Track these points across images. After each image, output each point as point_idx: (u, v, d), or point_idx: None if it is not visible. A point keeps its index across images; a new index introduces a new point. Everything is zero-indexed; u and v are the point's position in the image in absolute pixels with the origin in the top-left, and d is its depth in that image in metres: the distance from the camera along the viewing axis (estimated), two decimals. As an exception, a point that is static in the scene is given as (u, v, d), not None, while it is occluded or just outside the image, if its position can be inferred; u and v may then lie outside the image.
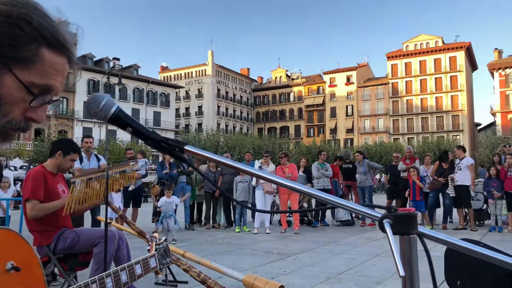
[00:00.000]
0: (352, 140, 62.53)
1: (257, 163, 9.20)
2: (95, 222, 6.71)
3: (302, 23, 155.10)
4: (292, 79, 72.71)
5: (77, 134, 42.65)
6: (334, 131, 63.03)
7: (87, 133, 21.87)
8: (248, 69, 76.78)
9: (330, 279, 4.44)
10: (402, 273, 0.65)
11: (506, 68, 53.03)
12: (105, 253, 2.96)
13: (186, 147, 0.87)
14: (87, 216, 6.53)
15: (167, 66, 74.48)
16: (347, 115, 64.23)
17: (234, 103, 71.30)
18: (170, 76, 71.39)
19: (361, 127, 62.66)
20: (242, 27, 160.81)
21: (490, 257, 0.72)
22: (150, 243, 1.72)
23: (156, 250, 1.66)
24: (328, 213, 10.79)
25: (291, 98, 70.53)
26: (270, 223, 9.86)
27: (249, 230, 8.81)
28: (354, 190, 10.85)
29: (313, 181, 10.14)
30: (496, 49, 56.62)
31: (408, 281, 0.70)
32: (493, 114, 54.57)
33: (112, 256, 3.12)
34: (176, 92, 62.93)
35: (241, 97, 73.12)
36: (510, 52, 60.77)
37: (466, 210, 8.89)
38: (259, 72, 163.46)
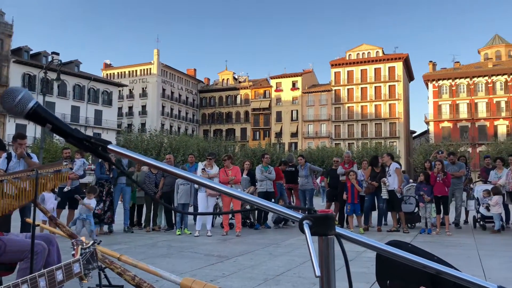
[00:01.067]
0: (296, 144, 63.83)
1: (200, 165, 9.11)
2: (25, 225, 6.31)
3: (250, 27, 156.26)
4: (239, 82, 72.99)
5: (9, 131, 40.08)
6: (279, 135, 64.00)
7: (21, 131, 20.54)
8: (195, 70, 76.11)
9: (268, 281, 4.49)
10: (318, 273, 0.66)
11: (439, 79, 56.61)
12: (31, 266, 2.65)
13: (109, 146, 0.84)
14: (16, 219, 6.13)
15: (110, 64, 71.98)
16: (292, 120, 65.47)
17: (180, 104, 70.31)
18: (114, 74, 69.06)
19: (305, 132, 64.13)
20: (190, 27, 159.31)
21: (401, 256, 0.76)
22: (75, 247, 1.64)
23: (81, 254, 1.59)
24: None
25: (238, 101, 70.76)
26: (212, 225, 9.82)
27: (190, 233, 8.70)
28: (296, 193, 11.07)
29: (256, 183, 10.24)
30: (431, 61, 60.35)
31: (325, 280, 0.72)
32: (427, 123, 57.99)
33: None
34: (119, 91, 61.01)
35: (187, 98, 72.25)
36: (443, 65, 64.94)
37: (398, 213, 9.35)
38: (206, 73, 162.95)
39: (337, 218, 10.61)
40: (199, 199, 8.72)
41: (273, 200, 10.45)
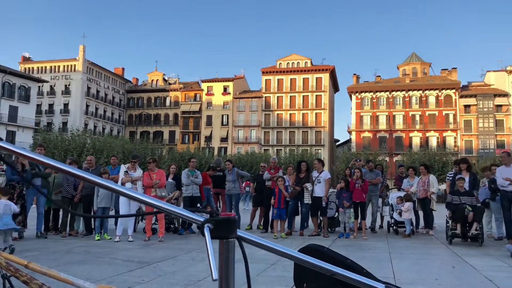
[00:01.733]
0: (226, 148, 63.96)
1: (123, 168, 8.78)
2: None
3: (182, 29, 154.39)
4: (169, 83, 71.67)
5: None
6: (209, 139, 63.77)
7: None
8: (123, 69, 73.44)
9: (189, 286, 4.43)
10: (215, 276, 0.66)
11: (362, 92, 59.98)
12: None
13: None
14: None
15: (29, 57, 67.14)
16: (222, 124, 65.55)
17: (105, 103, 67.39)
18: (33, 68, 64.58)
19: (235, 137, 64.51)
20: (119, 25, 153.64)
21: (296, 257, 0.78)
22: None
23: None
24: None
25: (167, 103, 69.40)
26: (134, 230, 9.49)
27: (110, 238, 8.33)
28: (223, 198, 11.07)
29: (182, 188, 10.08)
30: (355, 74, 63.80)
31: (224, 284, 0.72)
32: (350, 132, 61.09)
33: None
34: (39, 87, 57.12)
35: (113, 97, 69.47)
36: (366, 78, 68.85)
37: (321, 218, 9.72)
38: (134, 73, 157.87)
39: (261, 223, 10.79)
40: (121, 203, 8.40)
41: (199, 205, 10.36)
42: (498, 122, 55.79)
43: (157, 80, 71.60)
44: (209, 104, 66.59)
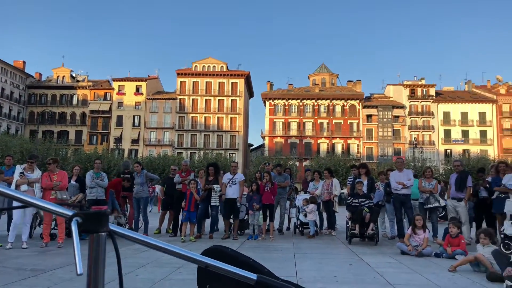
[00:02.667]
0: (137, 151, 61.77)
1: (18, 168, 8.06)
2: None
3: (94, 25, 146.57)
4: (77, 80, 67.44)
5: None
6: (119, 140, 61.09)
7: None
8: (24, 62, 67.53)
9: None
10: (79, 271, 0.65)
11: (275, 99, 61.84)
12: None
13: None
14: None
15: None
16: (133, 125, 63.20)
17: (2, 99, 61.41)
18: None
19: (147, 139, 62.59)
20: (21, 14, 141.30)
21: (177, 253, 0.79)
22: None
23: None
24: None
25: (74, 101, 65.19)
26: (30, 237, 8.76)
27: (1, 245, 7.61)
28: (130, 201, 10.68)
29: (86, 190, 9.54)
30: (269, 81, 65.62)
31: (92, 280, 0.70)
32: (263, 137, 62.57)
33: None
34: None
35: (11, 92, 63.50)
36: (279, 86, 71.07)
37: (233, 220, 9.81)
38: (38, 67, 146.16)
39: (171, 227, 10.59)
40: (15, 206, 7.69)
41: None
42: (395, 131, 61.01)
43: (64, 76, 66.98)
44: (120, 104, 63.85)
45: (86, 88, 65.08)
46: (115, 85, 64.82)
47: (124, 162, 11.32)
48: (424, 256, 7.12)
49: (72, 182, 9.60)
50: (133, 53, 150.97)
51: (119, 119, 63.33)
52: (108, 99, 64.51)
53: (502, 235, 7.47)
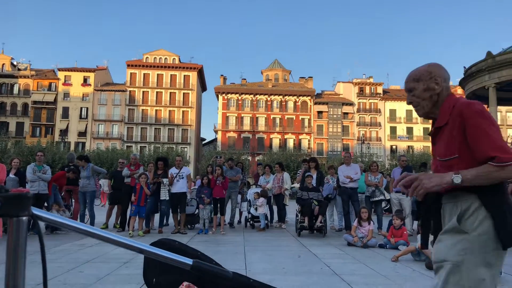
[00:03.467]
0: (84, 144, 59.48)
1: (-50, 160, 7.51)
2: None
3: (37, 8, 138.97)
4: (19, 69, 63.73)
5: None
6: (64, 133, 58.49)
7: None
8: (-41, 47, 62.93)
9: (26, 292, 3.98)
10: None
11: (228, 93, 61.64)
12: None
13: None
14: None
15: None
16: (81, 118, 60.73)
17: None
18: None
19: (95, 132, 60.39)
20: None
21: (110, 239, 0.75)
22: None
23: None
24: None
25: (15, 91, 61.56)
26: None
27: None
28: (75, 195, 10.26)
29: (27, 184, 9.05)
30: (222, 75, 65.26)
31: (11, 266, 0.65)
32: (216, 132, 62.25)
33: None
34: None
35: None
36: (233, 80, 70.91)
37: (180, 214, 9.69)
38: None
39: (118, 222, 10.29)
40: None
41: (46, 204, 9.44)
42: (344, 127, 62.82)
43: (3, 64, 63.03)
44: (66, 95, 61.07)
45: (28, 77, 61.62)
46: (61, 75, 61.90)
47: (68, 154, 10.85)
48: (369, 247, 7.38)
49: (11, 175, 9.07)
50: (81, 42, 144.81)
51: (65, 110, 60.60)
52: (53, 89, 61.50)
53: (441, 226, 7.87)
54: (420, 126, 63.02)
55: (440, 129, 1.88)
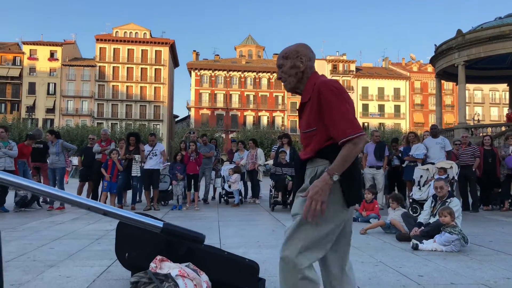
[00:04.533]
0: (52, 120, 57.76)
1: None
2: None
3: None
4: (-20, 42, 60.73)
5: None
6: (31, 109, 56.52)
7: None
8: None
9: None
10: None
11: (201, 69, 60.73)
12: None
13: None
14: None
15: None
16: (48, 94, 58.75)
17: None
18: None
19: (64, 108, 58.65)
20: None
21: (76, 202, 0.69)
22: None
23: None
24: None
25: (-23, 65, 58.82)
26: None
27: None
28: (44, 172, 9.98)
29: (-9, 161, 8.71)
30: (194, 51, 64.07)
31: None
32: (189, 109, 61.51)
33: None
34: None
35: None
36: (206, 56, 69.88)
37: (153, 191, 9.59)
38: None
39: (90, 198, 10.11)
40: None
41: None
42: (318, 105, 63.19)
43: (-37, 36, 59.86)
44: (32, 70, 58.77)
45: (-9, 50, 58.83)
46: (25, 49, 59.40)
47: (35, 130, 10.47)
48: (341, 220, 7.52)
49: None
50: (47, 14, 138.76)
51: (32, 86, 58.45)
52: (18, 64, 59.05)
53: (411, 200, 8.10)
54: (391, 104, 64.10)
55: (304, 105, 2.06)
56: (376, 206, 7.55)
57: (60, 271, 3.78)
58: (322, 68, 64.56)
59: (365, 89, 64.15)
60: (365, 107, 63.79)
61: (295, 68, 2.08)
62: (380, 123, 61.83)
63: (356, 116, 1.99)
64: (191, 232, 0.84)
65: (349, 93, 2.12)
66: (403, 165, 9.44)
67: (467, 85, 22.64)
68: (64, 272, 3.75)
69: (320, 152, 1.98)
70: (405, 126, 61.49)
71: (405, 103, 64.36)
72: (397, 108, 64.28)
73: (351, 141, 1.85)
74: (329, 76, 62.84)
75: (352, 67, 64.94)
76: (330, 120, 1.91)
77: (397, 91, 64.62)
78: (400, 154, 9.86)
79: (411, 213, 7.15)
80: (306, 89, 2.07)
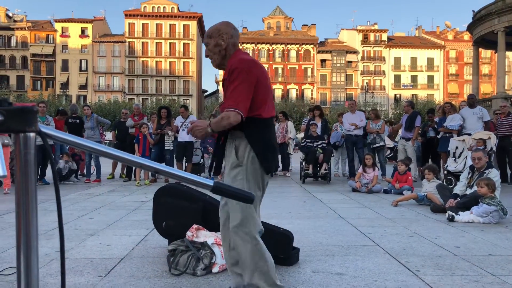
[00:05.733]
0: (85, 97, 59.16)
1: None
2: None
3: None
4: (15, 21, 62.19)
5: None
6: (65, 85, 58.04)
7: None
8: (-49, -1, 61.07)
9: (40, 236, 4.05)
10: (2, 172, 0.54)
11: (229, 42, 60.23)
12: None
13: None
14: None
15: None
16: (80, 70, 59.98)
17: None
18: None
19: (96, 84, 59.87)
20: None
21: (116, 156, 0.70)
22: None
23: None
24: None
25: (13, 43, 60.43)
26: (-28, 184, 8.31)
27: None
28: (80, 146, 10.30)
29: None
30: (222, 24, 63.40)
31: (22, 183, 0.60)
32: (217, 83, 61.58)
33: None
34: None
35: None
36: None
37: (186, 164, 9.76)
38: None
39: (124, 172, 10.40)
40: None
41: (54, 156, 9.49)
42: (348, 76, 61.93)
43: (-2, 15, 61.46)
44: (65, 47, 59.95)
45: (25, 29, 60.25)
46: (57, 26, 60.47)
47: (71, 106, 10.77)
48: (373, 192, 7.45)
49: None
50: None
51: (65, 63, 59.77)
52: (51, 41, 60.30)
53: (445, 172, 7.92)
54: (424, 74, 62.08)
55: (224, 81, 2.23)
56: (410, 178, 7.43)
57: (100, 240, 3.93)
58: (353, 38, 62.88)
59: (397, 60, 62.23)
60: (397, 78, 62.05)
61: (218, 46, 2.24)
62: (412, 94, 60.08)
63: (259, 94, 2.15)
64: (241, 191, 0.84)
65: (264, 70, 2.27)
66: (438, 136, 9.20)
67: (507, 53, 21.60)
68: (104, 241, 3.90)
69: (237, 125, 2.13)
70: (439, 97, 59.58)
71: (439, 73, 62.18)
72: (430, 79, 62.22)
73: (229, 112, 2.06)
74: (359, 47, 61.37)
75: (384, 36, 62.91)
76: (226, 94, 2.13)
77: (430, 61, 62.39)
78: (435, 125, 9.59)
79: (445, 184, 7.00)
80: (226, 66, 2.23)
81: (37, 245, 0.62)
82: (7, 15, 62.22)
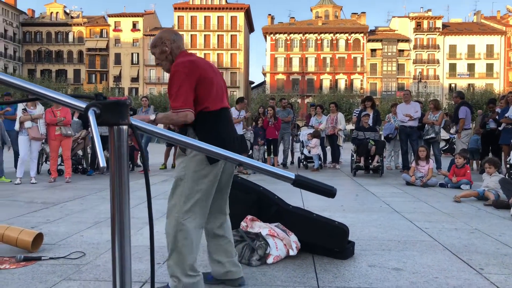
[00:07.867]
0: (137, 89, 61.22)
1: (20, 105, 7.95)
2: None
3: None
4: (72, 17, 65.24)
5: None
6: (118, 78, 60.30)
7: None
8: (15, -3, 64.95)
9: (99, 223, 4.26)
10: (102, 163, 0.56)
11: (276, 33, 60.03)
12: None
13: None
14: None
15: None
16: (132, 63, 62.08)
17: (-3, 37, 59.88)
18: None
19: (147, 77, 61.76)
20: None
21: (193, 145, 0.70)
22: None
23: None
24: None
25: (70, 39, 63.48)
26: (38, 172, 8.84)
27: (10, 181, 7.71)
28: (133, 137, 10.70)
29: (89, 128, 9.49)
30: (269, 15, 63.26)
31: (116, 174, 0.62)
32: (264, 74, 61.59)
33: None
34: None
35: (5, 30, 61.74)
36: (281, 19, 68.73)
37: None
38: (29, 3, 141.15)
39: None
40: (20, 142, 7.70)
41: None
42: (399, 66, 59.83)
43: (57, 12, 64.68)
44: (117, 41, 62.21)
45: (81, 25, 63.08)
46: (110, 21, 62.79)
47: (127, 98, 11.21)
48: (429, 186, 7.19)
49: (75, 119, 9.54)
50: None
51: (117, 56, 62.06)
52: (105, 36, 62.77)
53: (508, 165, 7.48)
54: (483, 62, 58.76)
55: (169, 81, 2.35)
56: (468, 171, 7.09)
57: (156, 228, 4.06)
58: (405, 26, 60.58)
59: (452, 47, 59.30)
60: (452, 67, 59.19)
61: (163, 53, 2.41)
62: (469, 84, 57.13)
63: (189, 89, 2.24)
64: (323, 184, 0.82)
65: (206, 66, 2.45)
66: (500, 128, 8.69)
67: None
68: (160, 229, 4.02)
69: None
70: (498, 86, 56.25)
71: (499, 61, 58.61)
72: (489, 67, 58.81)
73: (185, 112, 2.20)
74: (412, 35, 59.04)
75: (438, 23, 60.09)
76: (172, 95, 2.25)
77: (490, 48, 58.88)
78: (497, 116, 9.07)
79: (509, 179, 6.62)
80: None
81: (129, 235, 0.63)
82: (65, 12, 65.37)
